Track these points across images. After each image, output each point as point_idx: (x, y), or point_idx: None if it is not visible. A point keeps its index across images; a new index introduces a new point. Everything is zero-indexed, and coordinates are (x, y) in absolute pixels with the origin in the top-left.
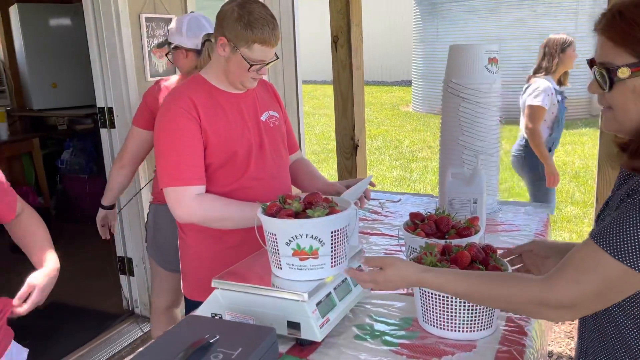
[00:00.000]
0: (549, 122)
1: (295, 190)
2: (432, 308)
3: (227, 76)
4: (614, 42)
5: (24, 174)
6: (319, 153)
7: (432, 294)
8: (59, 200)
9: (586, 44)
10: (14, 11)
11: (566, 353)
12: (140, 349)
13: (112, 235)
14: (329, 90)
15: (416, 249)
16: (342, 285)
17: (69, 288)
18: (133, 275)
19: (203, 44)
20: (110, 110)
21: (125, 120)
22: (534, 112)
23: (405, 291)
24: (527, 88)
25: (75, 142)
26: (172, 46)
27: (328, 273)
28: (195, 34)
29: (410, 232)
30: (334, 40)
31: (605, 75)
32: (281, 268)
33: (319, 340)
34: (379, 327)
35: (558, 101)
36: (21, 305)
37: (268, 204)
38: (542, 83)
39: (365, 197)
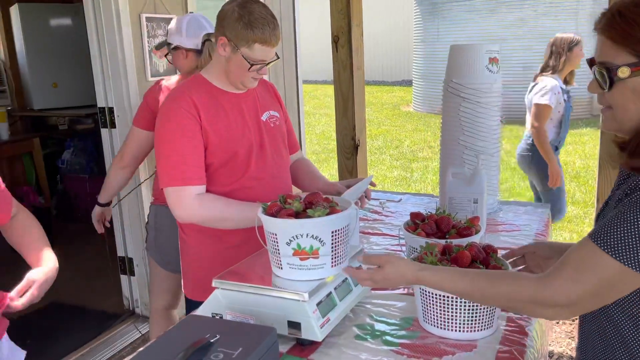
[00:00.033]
0: (556, 121)
1: (295, 190)
2: (433, 308)
3: (228, 76)
4: (613, 41)
5: (25, 173)
6: (320, 153)
7: (432, 293)
8: (60, 200)
9: (587, 44)
10: (14, 11)
11: (567, 353)
12: (141, 349)
13: (106, 229)
14: (330, 90)
15: (417, 249)
16: (342, 285)
17: (69, 288)
18: (134, 275)
19: (203, 43)
20: (111, 110)
21: (125, 120)
22: (540, 111)
23: (405, 291)
24: (533, 86)
25: (75, 142)
26: (172, 47)
27: (328, 273)
28: (195, 34)
29: (411, 232)
30: (335, 40)
31: (605, 75)
32: (282, 268)
33: (320, 340)
34: (379, 327)
35: (565, 100)
36: (18, 299)
37: (269, 203)
38: (549, 82)
39: (365, 197)
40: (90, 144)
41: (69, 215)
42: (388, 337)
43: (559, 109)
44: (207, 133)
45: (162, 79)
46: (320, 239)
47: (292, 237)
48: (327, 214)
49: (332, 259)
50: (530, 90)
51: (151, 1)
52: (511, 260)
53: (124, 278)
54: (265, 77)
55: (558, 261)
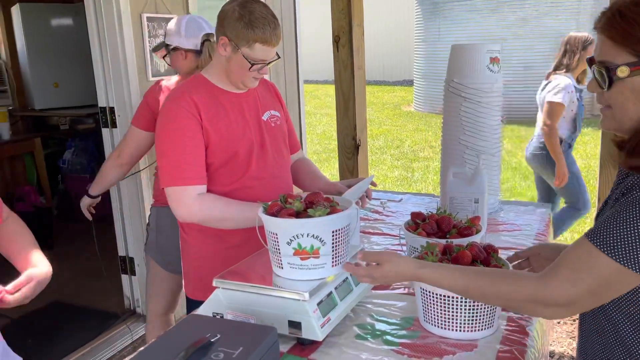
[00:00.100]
0: (569, 120)
1: (296, 190)
2: (433, 308)
3: (229, 76)
4: (613, 40)
5: (26, 173)
6: (321, 153)
7: (433, 293)
8: (61, 200)
9: None
10: (15, 11)
11: (568, 353)
12: (141, 348)
13: (93, 215)
14: (331, 89)
15: (417, 249)
16: (343, 285)
17: (70, 288)
18: (135, 274)
19: (202, 44)
20: (112, 110)
21: (127, 120)
22: (553, 109)
23: (406, 291)
24: (546, 85)
25: (77, 141)
26: (171, 47)
27: (329, 272)
28: (195, 34)
29: (412, 232)
30: (336, 40)
31: (605, 74)
32: (282, 267)
33: (320, 339)
34: (380, 326)
35: (577, 99)
36: (13, 294)
37: (269, 203)
38: (562, 80)
39: (366, 196)
40: (92, 143)
41: (70, 215)
42: (388, 337)
43: (572, 108)
44: (207, 133)
45: (162, 79)
46: (320, 238)
47: (293, 236)
48: (328, 214)
49: (333, 258)
50: (543, 88)
51: (152, 1)
52: (515, 263)
53: (125, 278)
54: (266, 77)
55: (555, 261)
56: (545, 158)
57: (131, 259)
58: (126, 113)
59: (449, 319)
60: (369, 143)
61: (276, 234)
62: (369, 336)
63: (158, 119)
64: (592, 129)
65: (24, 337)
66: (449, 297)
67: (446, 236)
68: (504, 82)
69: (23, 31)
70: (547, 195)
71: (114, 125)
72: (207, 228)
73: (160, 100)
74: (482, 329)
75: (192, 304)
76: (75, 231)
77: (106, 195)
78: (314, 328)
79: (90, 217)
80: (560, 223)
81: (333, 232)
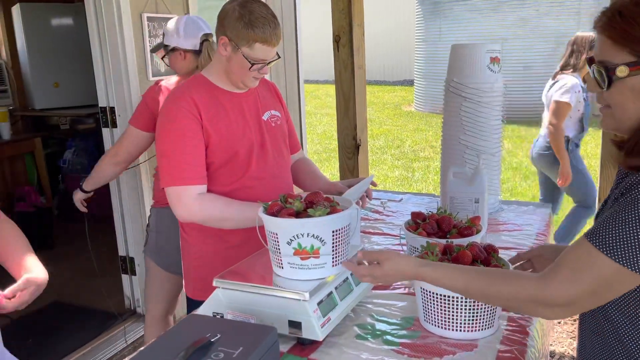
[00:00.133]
0: (575, 120)
1: (297, 190)
2: (434, 308)
3: (229, 75)
4: (613, 40)
5: (26, 173)
6: (321, 152)
7: (433, 293)
8: (61, 200)
9: None
10: (16, 11)
11: (568, 353)
12: (141, 348)
13: (87, 209)
14: (331, 89)
15: (417, 249)
16: (343, 285)
17: (70, 288)
18: (135, 274)
19: (202, 44)
20: (112, 109)
21: (127, 120)
22: (560, 109)
23: (406, 291)
24: (553, 84)
25: (77, 141)
26: (169, 48)
27: (329, 272)
28: (193, 34)
29: (412, 232)
30: (336, 40)
31: (604, 74)
32: (282, 267)
33: (320, 339)
34: (380, 326)
35: (584, 99)
36: (10, 299)
37: (269, 203)
38: (570, 80)
39: (367, 196)
40: (92, 143)
41: (70, 215)
42: (389, 337)
43: (579, 108)
44: (207, 132)
45: (162, 80)
46: (321, 238)
47: (293, 236)
48: (328, 214)
49: (333, 258)
50: (550, 88)
51: (152, 1)
52: (518, 264)
53: (125, 277)
54: (267, 77)
55: (555, 261)
56: (553, 157)
57: (131, 259)
58: (126, 113)
59: (449, 319)
60: (369, 143)
61: (276, 234)
62: (369, 336)
63: (158, 119)
64: (593, 129)
65: (24, 337)
66: (449, 297)
67: (446, 236)
68: (504, 82)
69: (23, 31)
70: (551, 194)
71: (114, 125)
72: (207, 228)
73: (159, 100)
74: (482, 329)
75: (193, 304)
76: (76, 231)
77: (106, 195)
78: (314, 328)
79: (85, 210)
80: (575, 223)
81: (333, 232)
